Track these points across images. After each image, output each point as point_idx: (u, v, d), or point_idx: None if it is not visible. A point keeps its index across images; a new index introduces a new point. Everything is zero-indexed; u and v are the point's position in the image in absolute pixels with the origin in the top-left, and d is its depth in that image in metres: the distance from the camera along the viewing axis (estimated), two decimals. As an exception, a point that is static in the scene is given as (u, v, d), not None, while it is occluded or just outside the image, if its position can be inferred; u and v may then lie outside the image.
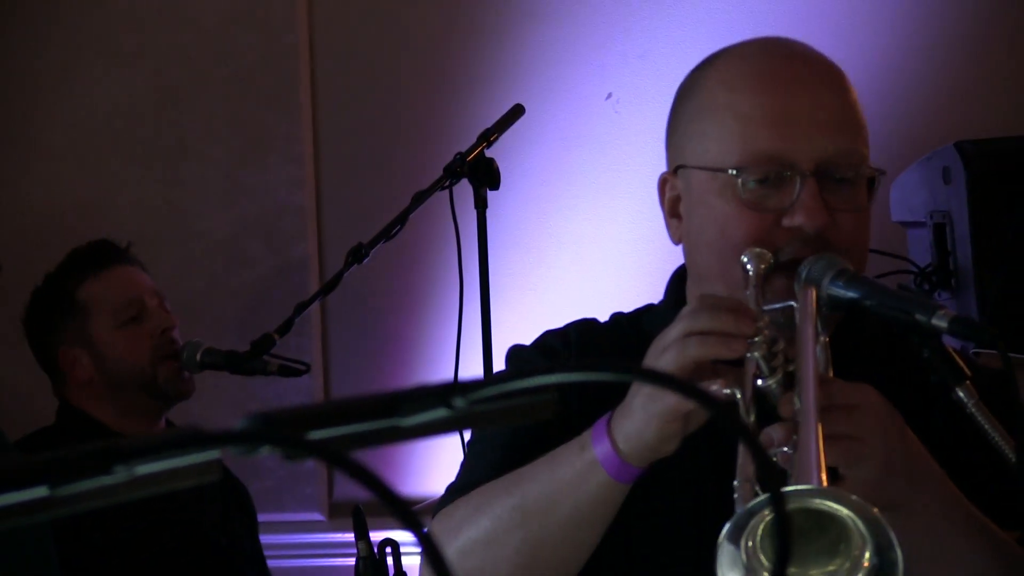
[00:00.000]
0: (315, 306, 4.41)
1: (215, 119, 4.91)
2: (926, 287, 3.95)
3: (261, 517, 4.36)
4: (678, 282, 2.39)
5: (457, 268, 3.93)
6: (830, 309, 2.19)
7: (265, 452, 1.16)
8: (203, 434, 1.18)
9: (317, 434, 1.18)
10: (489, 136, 3.95)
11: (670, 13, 4.87)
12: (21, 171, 4.83)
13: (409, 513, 1.07)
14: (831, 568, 1.87)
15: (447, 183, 3.87)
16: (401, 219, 3.97)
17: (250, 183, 4.88)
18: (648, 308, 2.47)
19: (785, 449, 1.94)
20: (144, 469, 1.14)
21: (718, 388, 2.01)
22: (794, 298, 2.14)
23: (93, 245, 4.23)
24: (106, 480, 1.09)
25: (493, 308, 3.89)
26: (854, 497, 1.83)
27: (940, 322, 2.05)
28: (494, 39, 4.86)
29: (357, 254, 4.07)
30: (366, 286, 4.59)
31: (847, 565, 1.86)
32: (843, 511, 1.83)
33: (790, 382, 2.01)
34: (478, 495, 2.18)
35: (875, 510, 1.82)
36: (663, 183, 2.34)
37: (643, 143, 4.72)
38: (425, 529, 1.07)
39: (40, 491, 1.08)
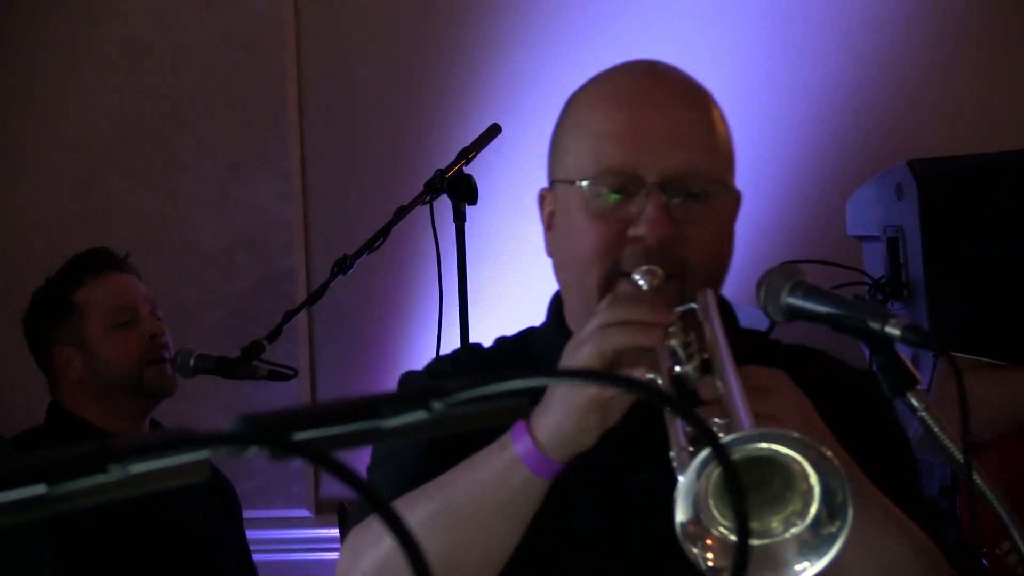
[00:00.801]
0: (302, 314, 4.42)
1: (208, 136, 4.91)
2: (880, 297, 3.97)
3: (250, 514, 4.36)
4: (558, 302, 2.37)
5: (437, 278, 3.93)
6: (788, 318, 2.20)
7: (253, 452, 1.16)
8: (195, 435, 1.19)
9: (302, 435, 1.18)
10: (467, 154, 3.95)
11: (638, 38, 4.87)
12: (22, 185, 4.83)
13: (388, 509, 1.08)
14: (789, 512, 1.86)
15: (428, 198, 3.88)
16: (384, 232, 3.98)
17: (241, 197, 4.88)
18: (530, 331, 2.45)
19: (717, 420, 1.92)
20: (137, 468, 1.14)
21: (640, 374, 2.00)
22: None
23: (92, 252, 4.25)
24: (101, 479, 1.09)
25: (471, 316, 3.90)
26: (795, 434, 1.84)
27: (893, 330, 2.07)
28: (472, 63, 4.87)
29: (342, 265, 4.08)
30: (351, 295, 4.59)
31: (799, 504, 1.85)
32: (784, 451, 1.82)
33: (706, 368, 2.01)
34: (397, 505, 2.11)
35: (818, 445, 1.83)
36: (542, 198, 2.35)
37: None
38: (404, 524, 1.07)
39: (38, 489, 1.08)
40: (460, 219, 3.82)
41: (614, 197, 2.20)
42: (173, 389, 4.19)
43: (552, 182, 2.31)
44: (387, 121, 4.88)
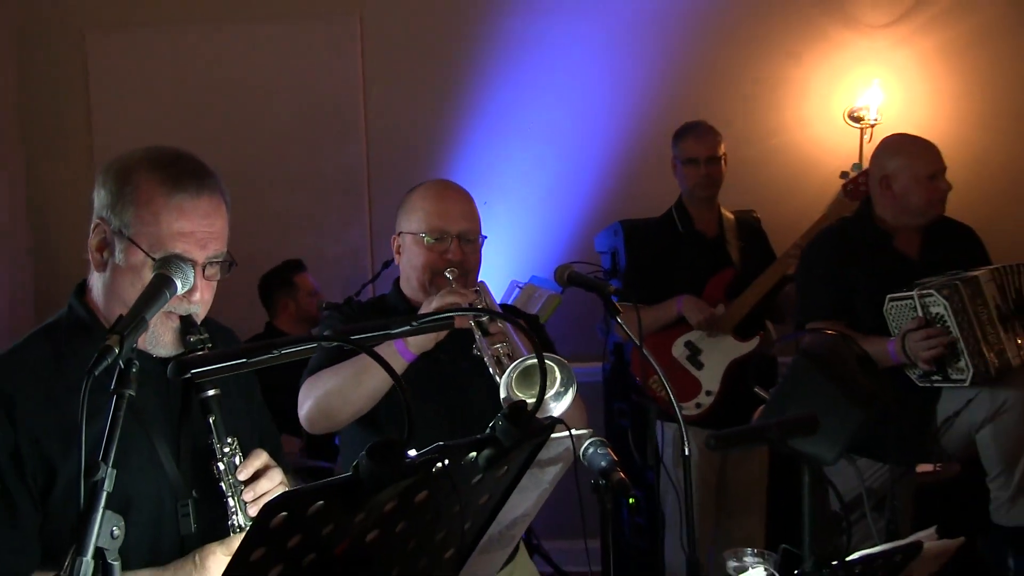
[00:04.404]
0: (369, 286, 4.36)
1: (330, 213, 4.81)
2: (607, 278, 3.99)
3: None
4: (397, 284, 2.30)
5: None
6: (568, 286, 2.19)
7: (335, 344, 1.13)
8: (312, 337, 1.16)
9: (357, 337, 1.16)
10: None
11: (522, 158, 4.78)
12: (245, 230, 4.69)
13: (395, 374, 1.06)
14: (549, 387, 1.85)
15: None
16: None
17: (345, 236, 4.79)
18: (384, 295, 2.33)
19: (500, 346, 1.93)
20: (287, 351, 1.11)
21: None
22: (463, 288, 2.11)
23: (295, 260, 4.29)
24: (269, 354, 1.07)
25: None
26: (551, 354, 1.83)
27: (611, 290, 2.10)
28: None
29: (387, 264, 4.05)
30: (393, 277, 4.50)
31: (551, 380, 1.83)
32: (548, 362, 1.81)
33: (491, 319, 2.00)
34: (334, 368, 2.07)
35: (559, 357, 1.82)
36: (393, 239, 2.27)
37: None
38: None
39: (241, 360, 1.05)
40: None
41: (434, 241, 2.16)
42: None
43: (400, 232, 2.23)
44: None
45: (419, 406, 2.07)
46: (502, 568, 2.09)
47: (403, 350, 1.99)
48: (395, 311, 2.23)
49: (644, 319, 3.46)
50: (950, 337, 2.64)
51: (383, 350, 1.99)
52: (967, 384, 2.66)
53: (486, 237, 2.21)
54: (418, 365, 2.01)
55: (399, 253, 2.23)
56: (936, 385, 2.73)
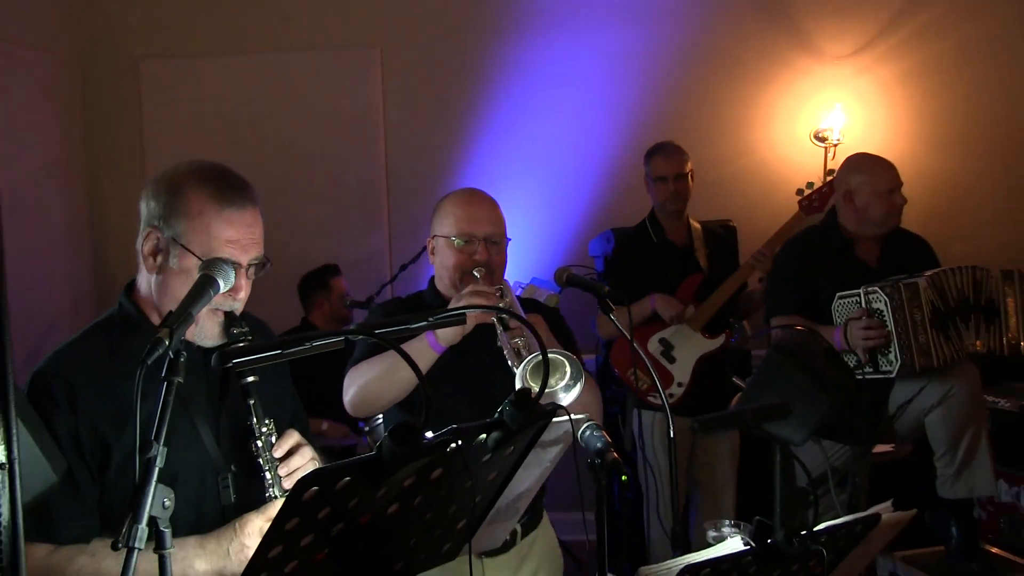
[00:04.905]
0: (388, 286, 4.35)
1: (354, 221, 4.78)
2: (601, 280, 3.95)
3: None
4: (432, 281, 2.22)
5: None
6: (566, 287, 2.15)
7: (361, 337, 1.12)
8: (340, 331, 1.15)
9: (380, 331, 1.16)
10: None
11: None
12: (279, 242, 4.67)
13: (415, 366, 1.05)
14: (556, 378, 1.80)
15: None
16: (415, 259, 3.92)
17: (367, 242, 4.76)
18: (421, 292, 2.23)
19: (519, 339, 1.88)
20: (317, 343, 1.11)
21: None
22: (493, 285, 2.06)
23: (333, 264, 4.22)
24: (301, 347, 1.06)
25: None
26: (561, 350, 1.80)
27: (604, 290, 2.07)
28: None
29: (404, 267, 4.03)
30: (407, 278, 4.48)
31: (561, 374, 1.80)
32: (559, 357, 1.78)
33: (511, 315, 1.90)
34: (374, 360, 2.01)
35: (567, 352, 1.78)
36: (428, 242, 2.19)
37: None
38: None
39: (276, 351, 1.04)
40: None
41: (463, 244, 2.10)
42: (351, 320, 4.15)
43: (434, 235, 2.17)
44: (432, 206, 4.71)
45: (449, 399, 2.03)
46: (528, 534, 2.08)
47: (434, 343, 1.95)
48: (430, 306, 2.15)
49: (633, 313, 3.50)
50: (886, 330, 2.65)
51: (418, 343, 1.96)
52: (893, 375, 2.68)
53: (511, 240, 2.15)
54: (448, 361, 1.98)
55: (433, 254, 2.17)
56: (867, 377, 2.74)
